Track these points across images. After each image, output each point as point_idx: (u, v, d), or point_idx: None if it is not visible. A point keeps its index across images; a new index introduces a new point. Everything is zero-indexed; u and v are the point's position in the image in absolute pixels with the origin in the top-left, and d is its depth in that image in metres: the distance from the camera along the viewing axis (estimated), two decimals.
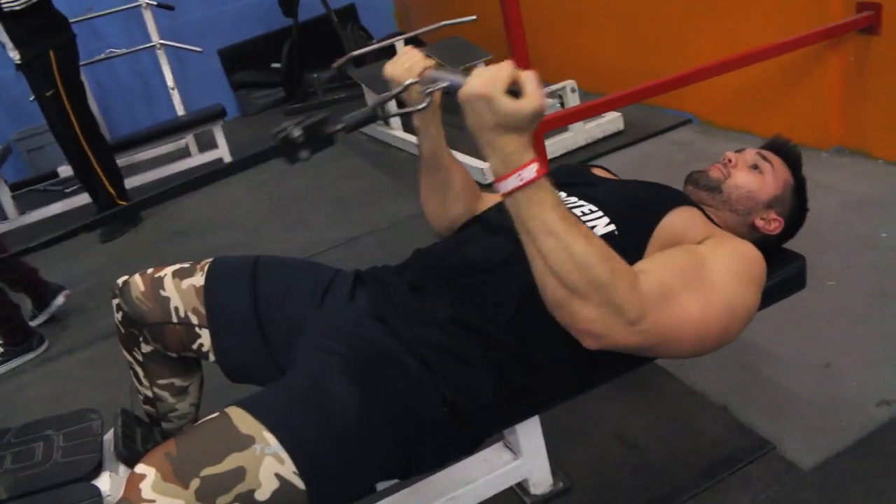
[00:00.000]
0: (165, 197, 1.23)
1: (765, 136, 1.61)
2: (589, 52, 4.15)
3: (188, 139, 5.13)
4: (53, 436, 1.45)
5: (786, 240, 1.50)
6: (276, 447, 1.00)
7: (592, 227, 1.24)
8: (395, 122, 4.30)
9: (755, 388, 1.83)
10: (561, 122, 3.11)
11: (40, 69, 3.70)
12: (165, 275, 1.43)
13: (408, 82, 1.21)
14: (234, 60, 6.23)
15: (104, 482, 1.34)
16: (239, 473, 0.98)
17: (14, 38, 3.64)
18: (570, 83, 3.56)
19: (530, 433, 1.53)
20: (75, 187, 4.53)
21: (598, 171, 1.58)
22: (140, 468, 0.98)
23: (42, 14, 3.65)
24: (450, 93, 1.09)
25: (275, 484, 0.99)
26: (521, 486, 1.64)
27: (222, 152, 4.79)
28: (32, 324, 2.98)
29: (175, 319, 1.40)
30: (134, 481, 0.97)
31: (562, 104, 3.55)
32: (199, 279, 1.42)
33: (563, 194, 1.36)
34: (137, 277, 1.44)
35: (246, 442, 1.00)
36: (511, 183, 1.02)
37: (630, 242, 1.22)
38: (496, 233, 1.31)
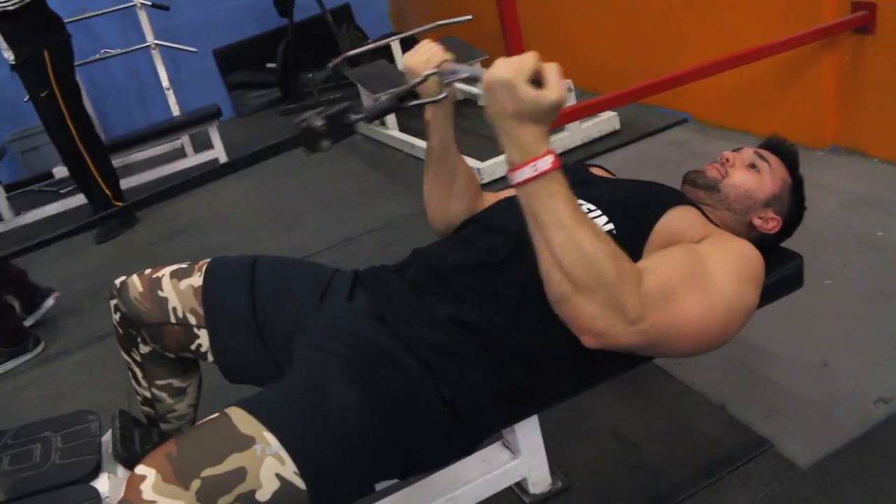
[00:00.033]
0: (164, 196, 1.23)
1: (760, 136, 1.61)
2: (585, 51, 4.15)
3: (184, 140, 5.12)
4: (51, 437, 1.45)
5: (783, 238, 1.50)
6: (277, 447, 1.00)
7: None
8: (392, 121, 4.30)
9: (753, 386, 1.84)
10: (557, 122, 3.11)
11: (35, 69, 3.68)
12: (163, 275, 1.43)
13: (428, 72, 1.23)
14: (229, 61, 6.21)
15: (103, 483, 1.34)
16: (240, 474, 0.98)
17: (8, 38, 3.63)
18: (566, 82, 3.56)
19: (529, 432, 1.53)
20: (70, 188, 4.51)
21: (595, 171, 1.58)
22: (140, 469, 0.98)
23: (37, 14, 3.64)
24: (469, 83, 1.13)
25: (276, 484, 0.99)
26: (520, 486, 1.64)
27: (218, 153, 4.77)
28: None
29: (173, 320, 1.40)
30: (134, 482, 0.97)
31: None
32: (197, 279, 1.42)
33: None
34: (135, 278, 1.44)
35: (246, 442, 1.00)
36: (525, 173, 1.03)
37: (628, 241, 1.21)
38: (495, 233, 1.31)
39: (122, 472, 1.38)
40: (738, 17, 3.10)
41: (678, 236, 1.24)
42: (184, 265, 1.46)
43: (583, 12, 4.13)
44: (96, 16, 5.09)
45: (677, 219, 1.26)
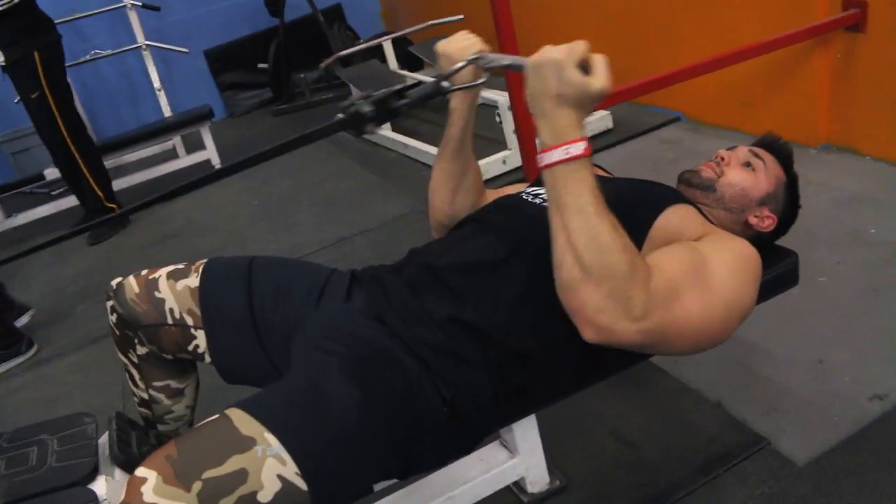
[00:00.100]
0: (160, 200, 1.22)
1: (753, 134, 1.62)
2: None
3: (175, 140, 5.11)
4: (47, 440, 1.44)
5: (779, 236, 1.50)
6: (278, 448, 1.00)
7: None
8: None
9: (749, 384, 1.84)
10: None
11: (25, 70, 3.67)
12: (160, 276, 1.42)
13: (472, 57, 1.25)
14: (220, 61, 6.20)
15: (100, 486, 1.33)
16: (241, 475, 0.98)
17: None
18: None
19: (526, 432, 1.53)
20: (62, 189, 4.50)
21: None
22: (141, 471, 0.98)
23: (27, 15, 3.62)
24: (510, 70, 1.17)
25: (277, 485, 0.99)
26: (518, 485, 1.65)
27: (210, 154, 4.76)
28: None
29: (170, 321, 1.39)
30: (135, 485, 0.96)
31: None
32: (193, 280, 1.42)
33: None
34: (132, 279, 1.43)
35: (247, 443, 1.00)
36: (555, 155, 1.04)
37: None
38: (494, 232, 1.31)
39: (119, 474, 1.37)
40: (732, 16, 3.11)
41: (676, 234, 1.24)
42: (180, 266, 1.45)
43: (577, 13, 4.14)
44: (86, 17, 5.07)
45: (675, 217, 1.27)
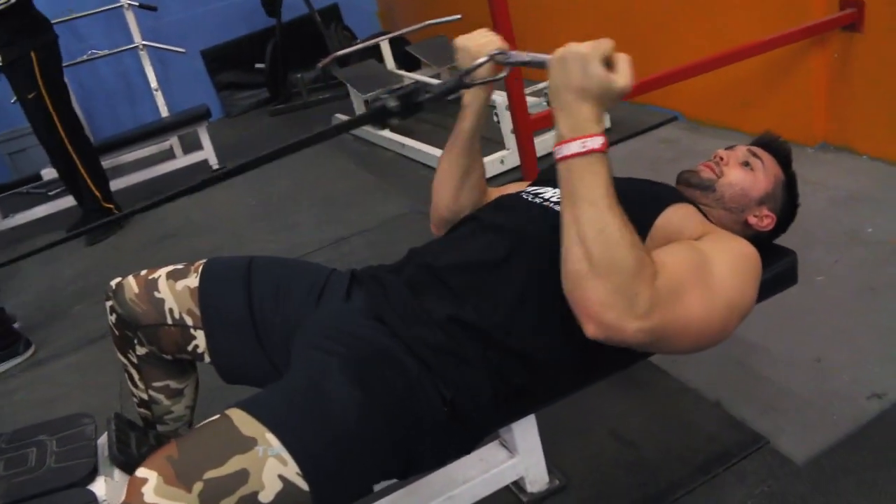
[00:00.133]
0: (159, 203, 1.22)
1: (750, 133, 1.62)
2: None
3: (172, 141, 5.10)
4: (46, 441, 1.43)
5: (777, 235, 1.50)
6: (279, 448, 1.00)
7: None
8: None
9: (748, 383, 1.84)
10: (548, 122, 3.11)
11: (22, 70, 3.66)
12: (159, 276, 1.42)
13: (493, 52, 1.26)
14: (217, 61, 6.20)
15: (99, 487, 1.33)
16: (242, 476, 0.97)
17: None
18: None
19: (526, 431, 1.53)
20: (59, 190, 4.49)
21: None
22: (141, 472, 0.97)
23: (23, 15, 3.61)
24: (531, 66, 1.19)
25: (278, 486, 0.99)
26: (518, 485, 1.65)
27: (207, 154, 4.76)
28: None
29: (170, 321, 1.39)
30: (135, 485, 0.96)
31: (548, 102, 3.56)
32: (193, 280, 1.41)
33: (557, 192, 1.36)
34: (131, 279, 1.43)
35: (248, 444, 1.00)
36: (572, 148, 1.04)
37: None
38: (493, 231, 1.31)
39: (118, 475, 1.37)
40: (729, 16, 3.12)
41: (677, 233, 1.24)
42: (180, 266, 1.45)
43: (575, 12, 4.14)
44: (83, 17, 5.07)
45: (676, 216, 1.27)
